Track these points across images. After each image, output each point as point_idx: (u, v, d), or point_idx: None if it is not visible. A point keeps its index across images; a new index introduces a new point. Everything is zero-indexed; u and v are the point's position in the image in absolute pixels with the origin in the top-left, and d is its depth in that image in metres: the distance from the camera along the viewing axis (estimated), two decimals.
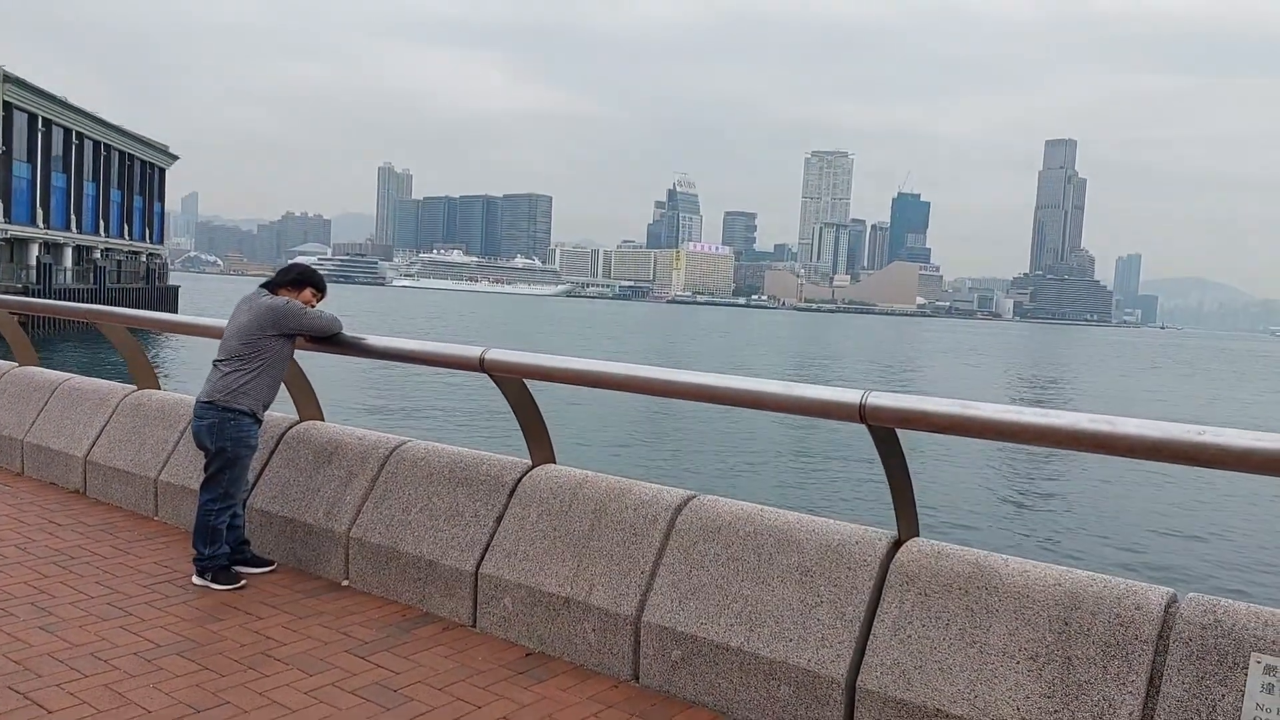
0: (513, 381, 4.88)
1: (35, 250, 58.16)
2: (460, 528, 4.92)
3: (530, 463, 5.01)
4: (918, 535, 3.92)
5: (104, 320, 7.29)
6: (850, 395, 3.70)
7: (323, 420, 6.11)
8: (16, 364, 8.26)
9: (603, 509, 4.52)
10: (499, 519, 4.83)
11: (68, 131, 63.78)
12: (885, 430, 3.72)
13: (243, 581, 5.18)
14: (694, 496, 4.44)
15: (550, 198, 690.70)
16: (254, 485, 5.74)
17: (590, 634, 4.32)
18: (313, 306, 5.39)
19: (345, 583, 5.27)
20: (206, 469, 5.20)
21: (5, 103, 54.57)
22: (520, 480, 4.90)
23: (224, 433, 5.09)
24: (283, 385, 5.60)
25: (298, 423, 6.02)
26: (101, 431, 6.95)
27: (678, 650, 4.05)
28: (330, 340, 5.39)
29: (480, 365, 4.83)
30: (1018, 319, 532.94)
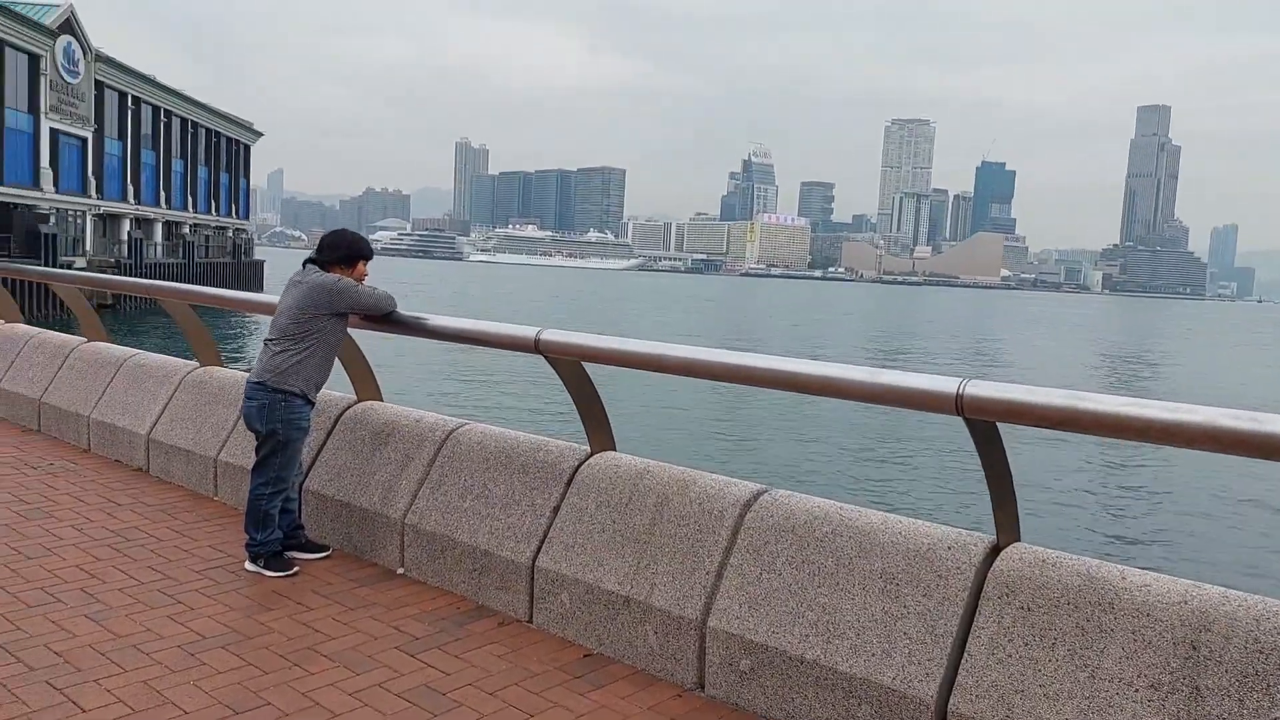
0: (569, 364, 4.57)
1: (126, 225, 60.10)
2: (517, 517, 4.65)
3: (589, 450, 4.70)
4: (1019, 540, 3.49)
5: (164, 296, 7.21)
6: (946, 384, 3.26)
7: (381, 400, 5.90)
8: (85, 340, 8.27)
9: (665, 502, 4.19)
10: (556, 509, 4.54)
11: (156, 109, 65.53)
12: (985, 424, 3.29)
13: (295, 568, 5.00)
14: (765, 491, 4.07)
15: (624, 170, 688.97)
16: (310, 467, 5.56)
17: (651, 636, 4.01)
18: (364, 278, 5.16)
19: (400, 571, 5.06)
20: (257, 452, 5.03)
21: (97, 81, 56.28)
22: (578, 468, 4.59)
23: (274, 415, 4.90)
24: (341, 364, 5.39)
25: (355, 403, 5.82)
26: (164, 409, 6.87)
27: (747, 660, 3.71)
28: (384, 319, 5.16)
29: (535, 346, 4.53)
30: (1106, 292, 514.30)
